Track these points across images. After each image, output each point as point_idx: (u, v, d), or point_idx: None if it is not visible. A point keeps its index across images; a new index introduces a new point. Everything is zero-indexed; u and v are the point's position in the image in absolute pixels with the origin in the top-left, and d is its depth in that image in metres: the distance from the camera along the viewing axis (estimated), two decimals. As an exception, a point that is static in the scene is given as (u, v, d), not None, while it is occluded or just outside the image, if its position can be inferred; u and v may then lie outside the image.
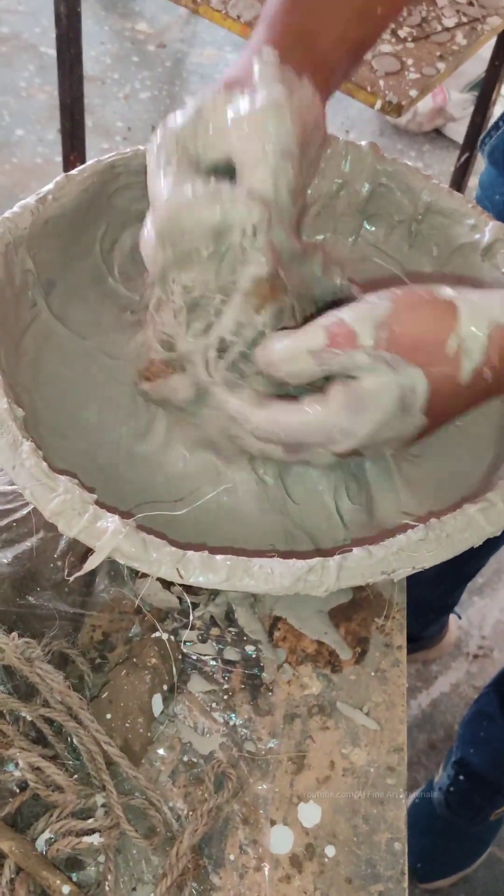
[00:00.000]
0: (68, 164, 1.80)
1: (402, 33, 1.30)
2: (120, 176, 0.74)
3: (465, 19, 1.40)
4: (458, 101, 2.32)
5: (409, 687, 1.56)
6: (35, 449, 0.56)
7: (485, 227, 0.75)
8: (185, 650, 0.62)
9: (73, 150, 1.75)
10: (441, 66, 1.36)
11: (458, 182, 1.98)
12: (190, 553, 0.54)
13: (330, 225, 0.81)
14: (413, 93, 1.31)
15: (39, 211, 0.68)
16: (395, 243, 0.81)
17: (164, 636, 0.61)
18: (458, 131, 2.30)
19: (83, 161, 1.72)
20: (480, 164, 2.29)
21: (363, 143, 0.78)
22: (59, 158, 2.08)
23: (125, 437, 0.68)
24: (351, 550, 0.56)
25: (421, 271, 0.79)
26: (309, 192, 0.67)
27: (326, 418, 0.56)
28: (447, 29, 1.34)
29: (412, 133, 2.40)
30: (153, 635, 0.61)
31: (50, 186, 0.70)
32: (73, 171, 0.72)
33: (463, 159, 1.96)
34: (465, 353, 0.54)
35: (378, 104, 1.29)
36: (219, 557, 0.54)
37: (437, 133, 2.40)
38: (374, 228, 0.81)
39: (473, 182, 2.13)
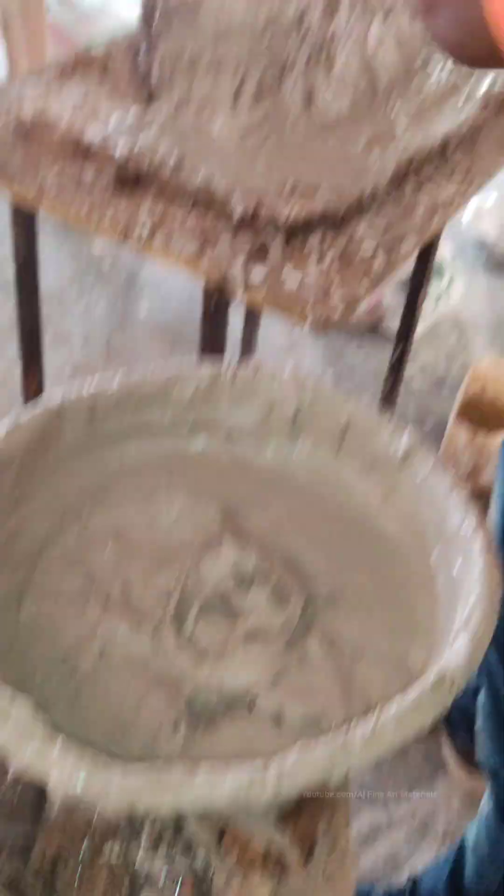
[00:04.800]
0: (29, 376, 1.90)
1: (323, 265, 1.43)
2: (66, 429, 0.79)
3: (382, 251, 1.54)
4: (392, 299, 2.51)
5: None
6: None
7: (400, 439, 0.82)
8: (135, 866, 0.64)
9: (32, 364, 1.86)
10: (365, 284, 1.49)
11: (395, 376, 2.12)
12: None
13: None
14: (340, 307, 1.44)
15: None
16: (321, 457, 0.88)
17: (115, 856, 0.62)
18: (393, 327, 2.47)
19: (41, 376, 1.83)
20: (415, 356, 2.40)
21: (286, 371, 0.87)
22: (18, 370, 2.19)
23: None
24: (288, 754, 0.56)
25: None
26: None
27: None
28: (368, 258, 1.48)
29: (349, 331, 2.58)
30: (100, 862, 0.62)
31: None
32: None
33: (397, 354, 2.11)
34: None
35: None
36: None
37: (374, 330, 2.57)
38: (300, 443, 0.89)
39: (408, 373, 2.27)
